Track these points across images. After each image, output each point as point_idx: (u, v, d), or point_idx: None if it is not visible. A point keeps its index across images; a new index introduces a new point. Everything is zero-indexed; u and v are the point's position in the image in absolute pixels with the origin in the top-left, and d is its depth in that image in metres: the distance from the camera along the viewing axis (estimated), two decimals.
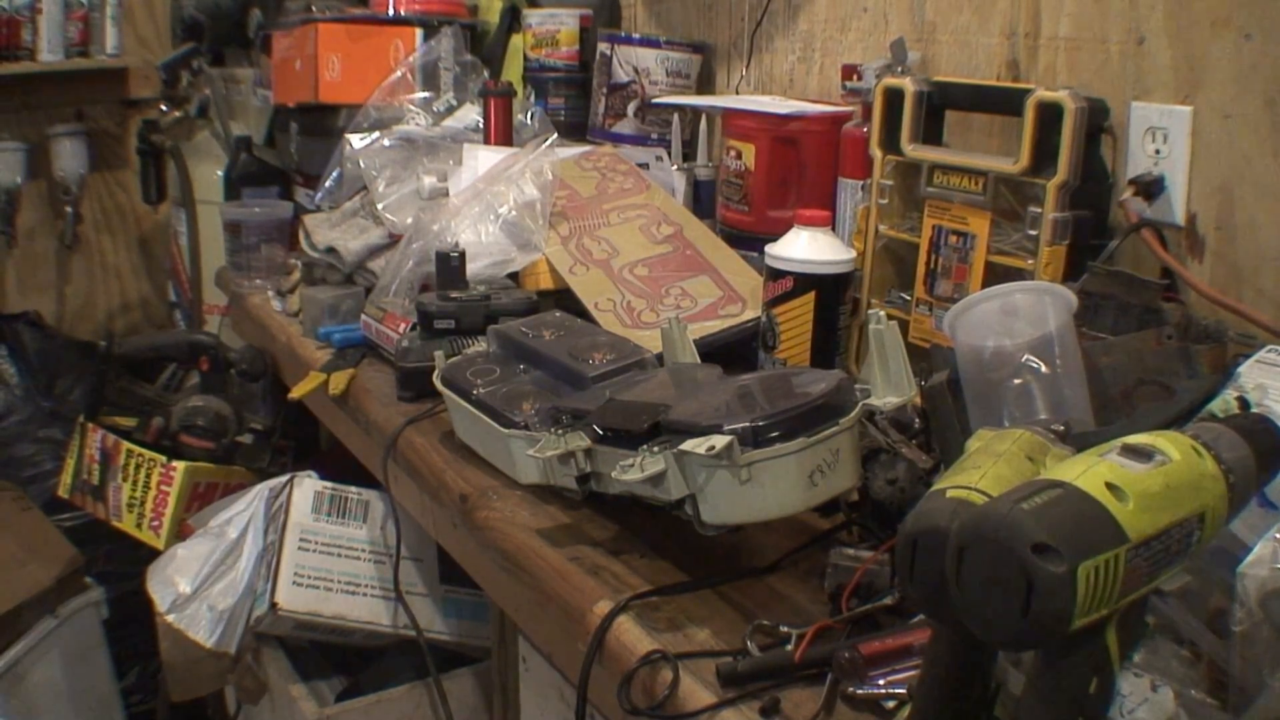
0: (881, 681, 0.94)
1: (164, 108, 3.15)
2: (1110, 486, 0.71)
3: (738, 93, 2.15)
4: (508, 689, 1.54)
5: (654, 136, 2.20)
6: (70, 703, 2.41)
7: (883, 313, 1.19)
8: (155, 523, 2.09)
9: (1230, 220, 1.32)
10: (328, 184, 2.15)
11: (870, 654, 0.95)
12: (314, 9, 2.37)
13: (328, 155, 2.18)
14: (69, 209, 3.33)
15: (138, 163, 3.20)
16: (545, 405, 1.31)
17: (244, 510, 1.93)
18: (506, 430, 1.33)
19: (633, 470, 1.08)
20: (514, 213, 1.81)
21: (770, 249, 1.53)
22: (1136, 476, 0.73)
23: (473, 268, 1.72)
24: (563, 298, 1.73)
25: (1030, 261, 1.39)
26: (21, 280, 3.37)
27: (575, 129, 2.31)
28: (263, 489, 1.95)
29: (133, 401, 2.24)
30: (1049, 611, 0.67)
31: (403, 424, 1.55)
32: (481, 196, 1.84)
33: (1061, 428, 0.93)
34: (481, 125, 2.16)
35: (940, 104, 1.54)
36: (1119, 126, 1.43)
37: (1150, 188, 1.37)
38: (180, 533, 2.06)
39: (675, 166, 2.09)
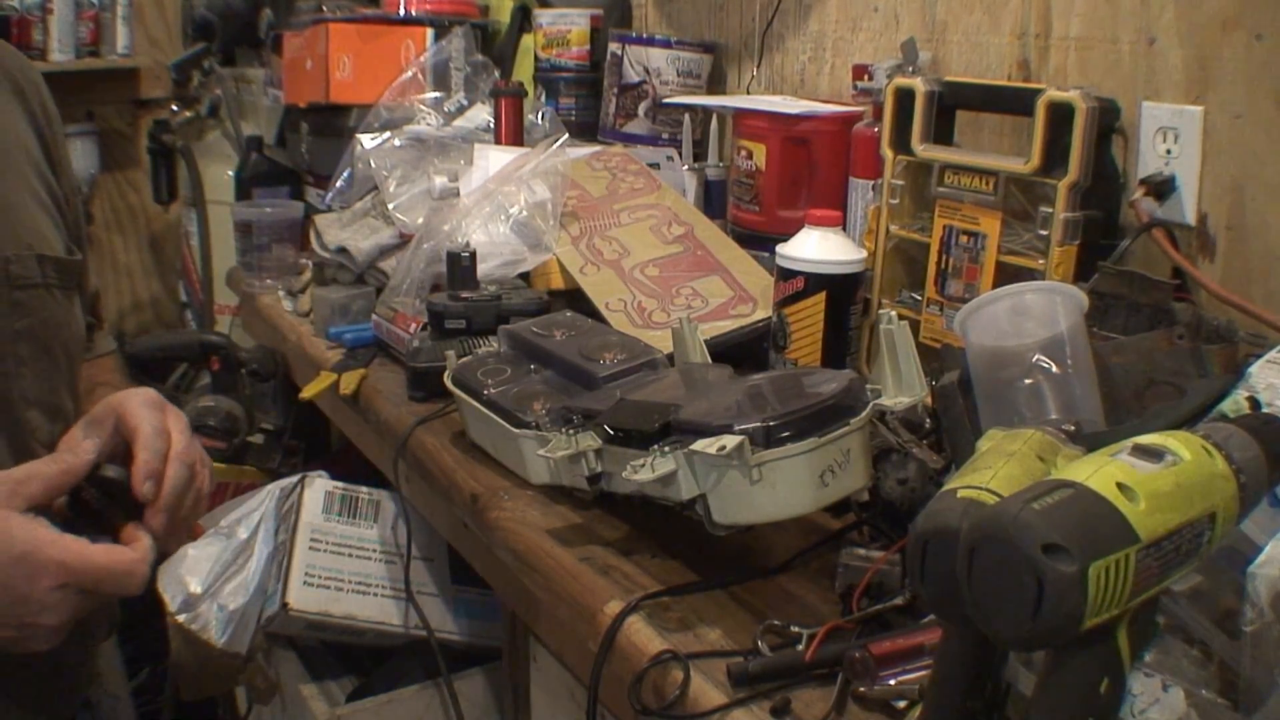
0: (892, 681, 0.95)
1: (175, 108, 3.17)
2: (1121, 486, 0.71)
3: (748, 93, 2.15)
4: (519, 689, 1.54)
5: (665, 136, 2.20)
6: None
7: (894, 313, 1.19)
8: None
9: (1241, 220, 1.32)
10: (339, 184, 2.16)
11: (881, 654, 0.95)
12: (325, 9, 2.38)
13: (338, 155, 2.18)
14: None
15: (148, 163, 3.21)
16: (556, 405, 1.31)
17: (255, 510, 1.93)
18: (517, 430, 1.33)
19: (644, 470, 1.08)
20: (525, 213, 1.81)
21: (781, 249, 1.53)
22: (1147, 476, 0.73)
23: (484, 268, 1.72)
24: (574, 298, 1.74)
25: (1041, 261, 1.39)
26: None
27: (586, 129, 2.31)
28: (273, 489, 1.95)
29: None
30: (1060, 611, 0.68)
31: (413, 424, 1.55)
32: (492, 196, 1.84)
33: (1072, 428, 0.93)
34: (492, 125, 2.16)
35: (951, 104, 1.54)
36: (1130, 126, 1.43)
37: (1161, 188, 1.37)
38: (191, 532, 2.07)
39: (686, 166, 2.09)
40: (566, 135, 1.99)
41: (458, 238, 1.76)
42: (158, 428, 1.12)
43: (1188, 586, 0.80)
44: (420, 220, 1.89)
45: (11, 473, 1.06)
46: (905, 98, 1.54)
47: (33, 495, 1.04)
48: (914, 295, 1.57)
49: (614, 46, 2.24)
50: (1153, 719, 0.78)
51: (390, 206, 1.95)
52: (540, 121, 2.19)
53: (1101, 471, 0.72)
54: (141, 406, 1.13)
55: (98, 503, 1.10)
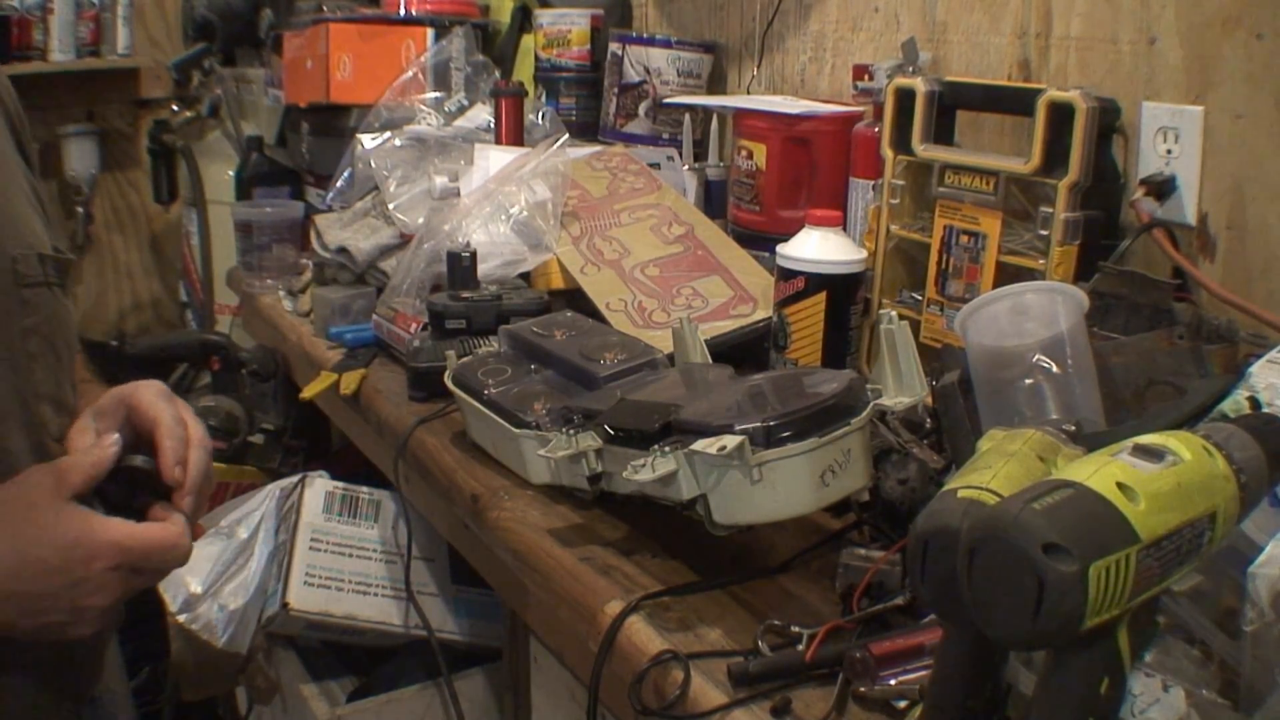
0: (892, 681, 0.94)
1: (175, 107, 3.17)
2: (1121, 486, 0.71)
3: (749, 93, 2.15)
4: (519, 689, 1.54)
5: (665, 136, 2.20)
6: None
7: (894, 313, 1.19)
8: None
9: (1241, 220, 1.32)
10: (339, 184, 2.16)
11: (881, 654, 0.95)
12: (325, 9, 2.38)
13: (339, 155, 2.18)
14: (80, 209, 3.34)
15: (149, 163, 3.21)
16: (556, 405, 1.31)
17: (255, 510, 1.94)
18: (518, 430, 1.33)
19: (644, 470, 1.08)
20: (525, 213, 1.81)
21: (781, 249, 1.53)
22: (1148, 476, 0.73)
23: (484, 268, 1.72)
24: (574, 298, 1.74)
25: (1041, 261, 1.39)
26: None
27: (586, 129, 2.31)
28: (274, 489, 1.95)
29: None
30: (1060, 611, 0.68)
31: (414, 424, 1.55)
32: (493, 197, 1.84)
33: (1073, 428, 0.93)
34: (493, 125, 2.16)
35: (951, 104, 1.54)
36: (1130, 126, 1.43)
37: (1161, 188, 1.37)
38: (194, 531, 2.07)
39: (686, 166, 2.09)
40: (567, 135, 1.99)
41: (458, 238, 1.76)
42: (177, 417, 1.15)
43: (1188, 586, 0.80)
44: (420, 220, 1.89)
45: (55, 464, 1.09)
46: (905, 98, 1.54)
47: (74, 485, 1.07)
48: (914, 295, 1.57)
49: (614, 46, 2.24)
50: (1153, 719, 0.78)
51: (390, 206, 1.95)
52: (540, 121, 2.19)
53: (1102, 471, 0.72)
54: (157, 398, 1.16)
55: (123, 492, 1.12)
